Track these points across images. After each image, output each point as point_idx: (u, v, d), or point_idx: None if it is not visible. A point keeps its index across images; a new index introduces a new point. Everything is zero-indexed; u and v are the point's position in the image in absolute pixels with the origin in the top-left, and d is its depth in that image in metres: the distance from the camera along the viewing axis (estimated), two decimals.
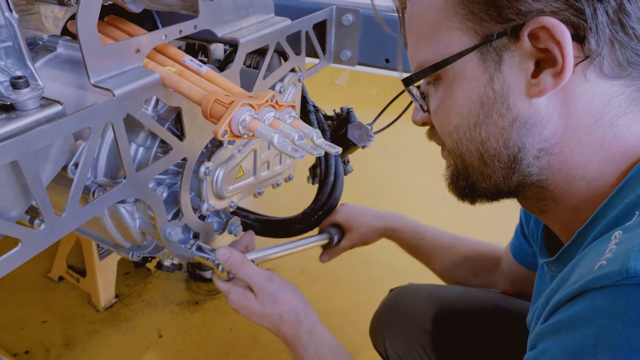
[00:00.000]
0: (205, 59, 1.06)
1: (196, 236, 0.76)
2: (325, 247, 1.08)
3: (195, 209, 0.73)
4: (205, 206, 0.72)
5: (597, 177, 0.44)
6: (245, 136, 0.51)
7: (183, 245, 0.74)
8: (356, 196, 2.04)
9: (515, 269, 0.81)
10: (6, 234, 0.44)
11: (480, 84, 0.44)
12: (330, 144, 0.56)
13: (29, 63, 0.47)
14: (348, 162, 1.28)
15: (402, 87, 0.52)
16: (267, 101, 0.54)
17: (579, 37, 0.40)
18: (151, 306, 1.57)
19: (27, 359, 1.38)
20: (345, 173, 1.28)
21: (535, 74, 0.42)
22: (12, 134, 0.44)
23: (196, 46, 1.09)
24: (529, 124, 0.44)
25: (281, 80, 0.85)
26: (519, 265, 0.80)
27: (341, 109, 1.18)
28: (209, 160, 0.70)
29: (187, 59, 0.64)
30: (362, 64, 1.01)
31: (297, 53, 0.88)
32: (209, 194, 0.72)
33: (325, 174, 1.14)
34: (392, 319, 0.91)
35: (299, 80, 0.90)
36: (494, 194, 0.50)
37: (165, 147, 0.66)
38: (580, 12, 0.38)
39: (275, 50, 0.81)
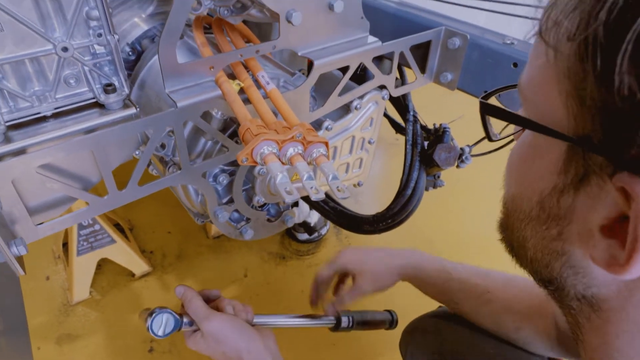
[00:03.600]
0: None
1: (248, 220, 0.88)
2: (333, 329, 0.98)
3: (249, 199, 0.85)
4: (256, 199, 0.83)
5: None
6: (262, 165, 0.59)
7: (235, 224, 0.87)
8: (474, 207, 1.95)
9: None
10: (80, 198, 0.62)
11: (550, 181, 0.32)
12: (343, 187, 0.60)
13: (120, 74, 0.61)
14: (439, 177, 1.26)
15: None
16: (292, 137, 0.60)
17: None
18: (247, 247, 1.82)
19: (149, 257, 1.75)
20: (435, 187, 1.27)
21: (606, 231, 0.30)
22: (97, 127, 0.60)
23: None
24: (576, 269, 0.34)
25: (360, 97, 0.88)
26: None
27: (440, 125, 1.16)
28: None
29: (261, 74, 0.73)
30: (461, 90, 0.97)
31: (388, 73, 0.89)
32: (261, 189, 0.83)
33: (404, 186, 1.15)
34: (418, 337, 0.91)
35: (383, 98, 0.92)
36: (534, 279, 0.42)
37: None
38: None
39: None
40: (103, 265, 1.67)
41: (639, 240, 0.26)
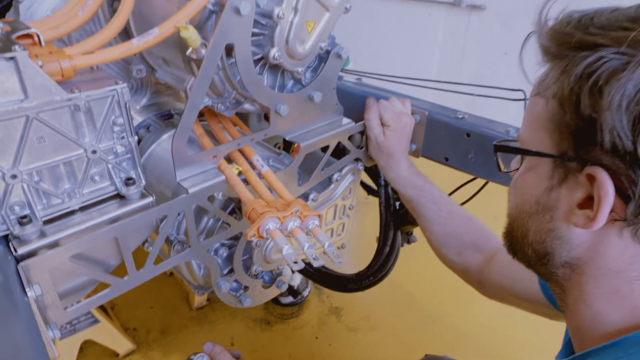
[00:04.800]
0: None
1: (246, 288, 0.95)
2: None
3: (247, 268, 0.93)
4: (254, 267, 0.91)
5: (602, 313, 0.49)
6: (268, 239, 0.69)
7: (234, 293, 0.94)
8: None
9: (519, 279, 0.81)
10: (103, 280, 0.68)
11: (542, 186, 0.49)
12: (337, 253, 0.70)
13: (139, 169, 0.71)
14: (412, 233, 1.37)
15: None
16: (291, 214, 0.70)
17: (626, 198, 0.42)
18: (232, 316, 1.84)
19: (133, 335, 1.74)
20: (410, 242, 1.38)
21: (581, 206, 0.46)
22: (118, 217, 0.68)
23: None
24: (562, 240, 0.49)
25: (340, 170, 1.01)
26: (539, 291, 0.78)
27: None
28: None
29: (255, 158, 0.84)
30: (425, 157, 1.12)
31: (360, 147, 1.03)
32: (258, 259, 0.91)
33: (382, 245, 1.26)
34: None
35: (359, 169, 1.05)
36: (528, 266, 0.57)
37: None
38: (633, 182, 0.41)
39: None
40: (85, 347, 1.65)
41: (601, 201, 0.43)
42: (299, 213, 0.71)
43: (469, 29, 3.08)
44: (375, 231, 1.30)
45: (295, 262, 0.65)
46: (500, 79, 2.97)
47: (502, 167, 0.62)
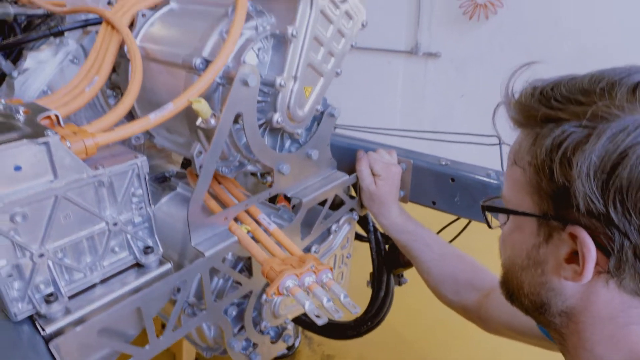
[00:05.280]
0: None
1: (255, 345, 0.96)
2: None
3: (255, 324, 0.94)
4: (263, 324, 0.93)
5: (602, 356, 0.53)
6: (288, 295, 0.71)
7: (244, 351, 0.94)
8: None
9: (516, 317, 0.81)
10: (125, 352, 0.68)
11: (530, 243, 0.53)
12: (353, 304, 0.73)
13: (155, 237, 0.73)
14: (402, 275, 1.42)
15: None
16: (307, 269, 0.74)
17: (607, 253, 0.46)
18: None
19: None
20: (400, 284, 1.42)
21: (568, 260, 0.49)
22: (140, 287, 0.69)
23: None
24: (555, 291, 0.53)
25: (337, 221, 1.05)
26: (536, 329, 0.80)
27: None
28: None
29: (261, 217, 0.88)
30: (413, 202, 1.18)
31: (353, 197, 1.08)
32: (267, 314, 0.92)
33: (376, 289, 1.29)
34: None
35: (354, 219, 1.10)
36: (526, 314, 0.60)
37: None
38: (610, 239, 0.45)
39: None
40: None
41: (586, 257, 0.47)
42: (314, 268, 0.75)
43: (426, 76, 3.29)
44: (364, 275, 1.33)
45: (318, 317, 0.68)
46: (458, 119, 3.18)
47: (491, 224, 0.66)
